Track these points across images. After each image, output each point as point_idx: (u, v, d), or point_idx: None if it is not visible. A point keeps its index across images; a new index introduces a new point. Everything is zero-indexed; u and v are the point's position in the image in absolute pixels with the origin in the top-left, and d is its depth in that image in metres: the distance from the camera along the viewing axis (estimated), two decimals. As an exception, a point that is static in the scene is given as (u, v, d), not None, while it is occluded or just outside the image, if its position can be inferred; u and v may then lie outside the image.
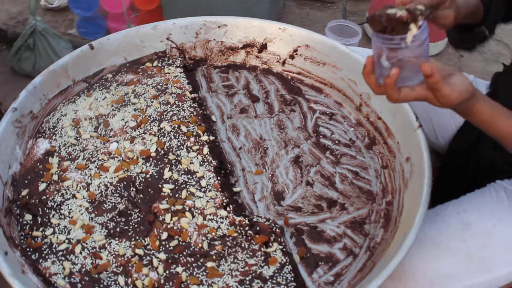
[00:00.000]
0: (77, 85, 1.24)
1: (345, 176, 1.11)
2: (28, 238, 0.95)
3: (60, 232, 0.95)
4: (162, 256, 0.91)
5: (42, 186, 1.02)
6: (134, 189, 1.01)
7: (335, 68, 1.27)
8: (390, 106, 1.08)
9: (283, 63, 1.35)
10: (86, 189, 1.01)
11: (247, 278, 0.89)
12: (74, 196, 1.00)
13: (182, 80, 1.26)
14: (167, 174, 1.03)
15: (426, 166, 0.97)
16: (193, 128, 1.12)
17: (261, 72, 1.36)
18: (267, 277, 0.89)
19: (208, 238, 0.94)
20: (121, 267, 0.90)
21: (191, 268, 0.90)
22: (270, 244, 0.93)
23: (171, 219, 0.96)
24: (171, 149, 1.07)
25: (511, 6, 1.08)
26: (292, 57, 1.33)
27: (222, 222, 0.96)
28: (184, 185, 1.02)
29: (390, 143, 1.13)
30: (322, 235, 1.00)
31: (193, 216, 0.96)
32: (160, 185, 1.01)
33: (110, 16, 2.33)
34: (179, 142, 1.09)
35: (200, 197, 1.00)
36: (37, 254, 0.93)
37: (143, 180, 1.02)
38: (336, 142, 1.18)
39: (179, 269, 0.90)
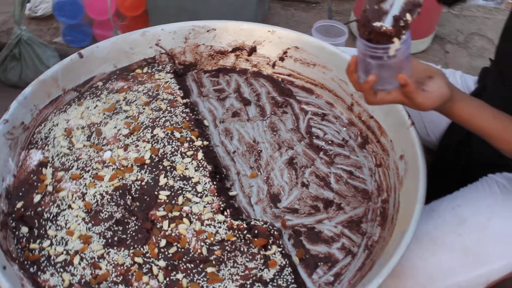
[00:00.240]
0: (67, 94, 1.23)
1: (339, 176, 1.11)
2: (25, 251, 0.94)
3: (58, 243, 0.94)
4: (162, 263, 0.91)
5: (37, 198, 1.01)
6: (130, 197, 1.00)
7: (325, 68, 1.28)
8: (382, 105, 1.09)
9: (273, 65, 1.35)
10: (82, 199, 1.01)
11: (248, 282, 0.89)
12: (70, 206, 0.99)
13: (173, 85, 1.26)
14: (162, 180, 1.03)
15: (420, 163, 0.98)
16: (187, 134, 1.12)
17: (252, 75, 1.36)
18: (268, 280, 0.89)
19: (207, 243, 0.93)
20: (121, 276, 0.89)
21: (191, 274, 0.90)
22: (269, 247, 0.94)
23: (168, 226, 0.95)
24: (165, 156, 1.07)
25: None
26: (282, 59, 1.34)
27: (220, 227, 0.96)
28: (180, 191, 1.01)
29: (383, 142, 1.14)
30: (320, 235, 1.00)
31: (191, 222, 0.96)
32: (156, 192, 1.01)
33: (96, 23, 2.31)
34: (173, 148, 1.09)
35: (197, 203, 0.99)
36: (35, 267, 0.92)
37: (138, 187, 1.02)
38: (329, 142, 1.19)
39: (180, 275, 0.89)
